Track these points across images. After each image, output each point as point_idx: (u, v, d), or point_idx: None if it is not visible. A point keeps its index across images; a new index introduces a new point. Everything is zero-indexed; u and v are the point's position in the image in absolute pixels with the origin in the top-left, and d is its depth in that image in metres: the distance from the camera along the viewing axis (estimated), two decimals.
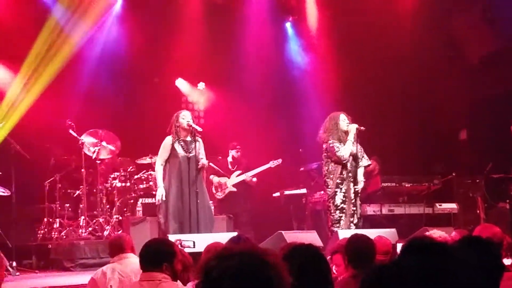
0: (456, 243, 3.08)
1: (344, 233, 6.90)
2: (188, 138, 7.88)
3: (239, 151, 10.70)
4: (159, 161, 7.96)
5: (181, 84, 12.40)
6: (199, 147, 7.90)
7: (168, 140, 7.89)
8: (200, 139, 7.94)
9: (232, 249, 1.92)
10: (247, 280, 1.81)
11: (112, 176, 10.00)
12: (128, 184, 9.93)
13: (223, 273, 1.82)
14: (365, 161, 8.23)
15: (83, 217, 9.49)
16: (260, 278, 1.81)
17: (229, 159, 10.73)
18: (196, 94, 12.55)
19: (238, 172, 10.58)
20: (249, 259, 1.84)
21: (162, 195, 7.74)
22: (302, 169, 10.99)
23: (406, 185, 9.95)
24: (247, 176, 10.51)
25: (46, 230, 9.58)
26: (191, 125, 7.84)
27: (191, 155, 7.79)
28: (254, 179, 10.61)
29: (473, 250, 2.75)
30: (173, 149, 7.82)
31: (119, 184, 9.90)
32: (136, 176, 9.92)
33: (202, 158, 7.94)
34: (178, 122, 7.88)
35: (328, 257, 4.88)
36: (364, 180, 8.25)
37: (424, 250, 1.86)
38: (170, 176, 7.78)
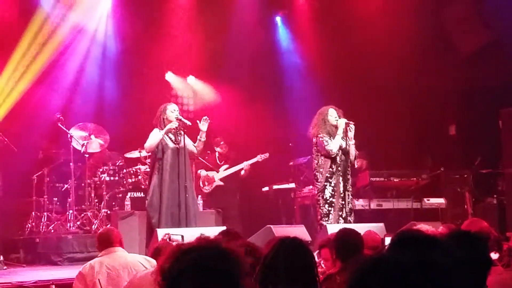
0: (444, 237, 3.09)
1: (332, 227, 6.91)
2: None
3: (223, 147, 10.60)
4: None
5: (171, 77, 12.35)
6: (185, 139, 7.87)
7: (156, 132, 7.82)
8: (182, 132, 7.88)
9: (188, 245, 1.91)
10: (205, 273, 1.80)
11: (100, 170, 9.98)
12: (116, 178, 9.91)
13: (181, 269, 1.81)
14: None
15: (71, 211, 9.45)
16: (219, 269, 1.81)
17: (217, 153, 10.70)
18: (186, 88, 12.51)
19: (226, 166, 10.55)
20: (206, 253, 1.84)
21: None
22: (291, 163, 10.99)
23: (395, 180, 9.99)
24: (244, 165, 10.37)
25: (33, 224, 9.52)
26: (180, 119, 7.79)
27: (180, 145, 7.75)
28: (247, 166, 10.46)
29: (461, 244, 2.75)
30: (162, 141, 7.73)
31: (107, 178, 9.87)
32: (124, 170, 9.89)
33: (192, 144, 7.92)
34: (166, 114, 7.81)
35: (316, 252, 4.90)
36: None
37: (413, 242, 1.86)
38: (162, 169, 7.71)
